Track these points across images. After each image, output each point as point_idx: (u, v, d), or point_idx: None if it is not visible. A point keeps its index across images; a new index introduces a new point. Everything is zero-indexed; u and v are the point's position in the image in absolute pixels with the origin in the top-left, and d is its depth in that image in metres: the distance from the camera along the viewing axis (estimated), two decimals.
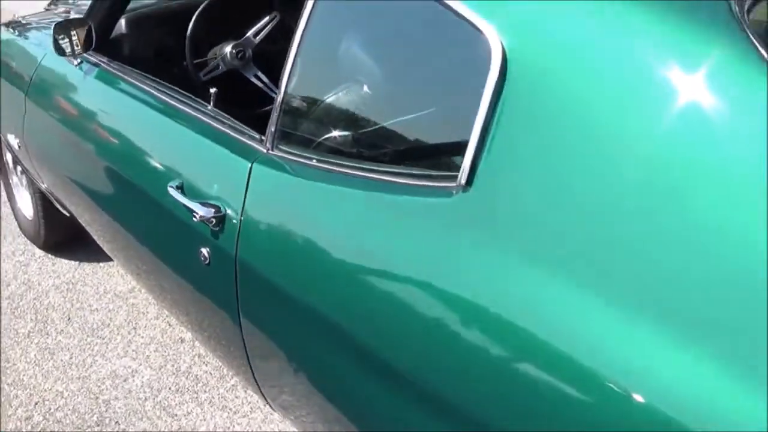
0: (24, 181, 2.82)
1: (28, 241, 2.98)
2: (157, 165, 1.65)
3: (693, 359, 0.75)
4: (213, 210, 1.37)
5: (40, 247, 2.92)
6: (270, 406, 1.59)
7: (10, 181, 2.99)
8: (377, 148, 1.26)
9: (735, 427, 0.71)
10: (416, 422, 1.03)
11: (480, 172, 0.96)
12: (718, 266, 0.77)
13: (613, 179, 0.86)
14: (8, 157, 2.89)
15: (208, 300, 1.52)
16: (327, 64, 1.33)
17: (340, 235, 1.17)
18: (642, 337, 0.79)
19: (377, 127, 1.29)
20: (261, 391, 1.54)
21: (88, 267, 2.82)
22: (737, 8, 0.91)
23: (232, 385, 2.18)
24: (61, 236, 2.82)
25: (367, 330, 1.11)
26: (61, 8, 2.76)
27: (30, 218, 2.86)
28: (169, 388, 2.20)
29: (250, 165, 1.34)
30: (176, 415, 2.10)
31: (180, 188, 1.47)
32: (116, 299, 2.62)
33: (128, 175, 1.77)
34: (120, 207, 1.90)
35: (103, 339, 2.43)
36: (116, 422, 2.08)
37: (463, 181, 0.97)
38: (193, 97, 1.68)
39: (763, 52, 0.83)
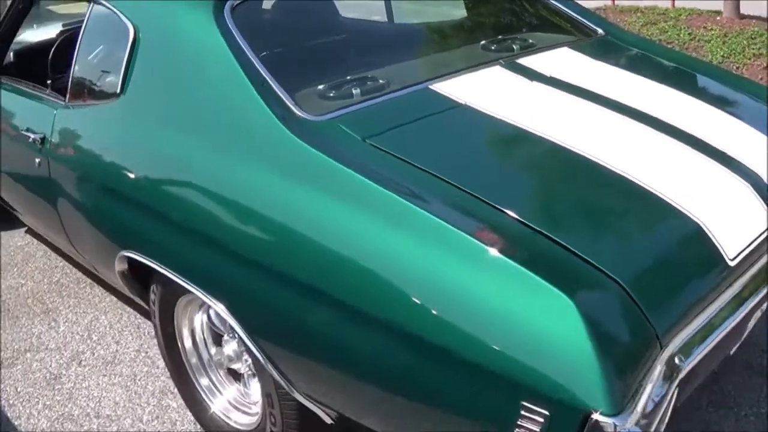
0: None
1: None
2: (26, 129, 2.80)
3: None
4: (39, 136, 2.55)
5: None
6: (82, 257, 2.72)
7: None
8: (93, 86, 2.47)
9: None
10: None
11: (126, 86, 2.16)
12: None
13: (191, 88, 2.03)
14: None
15: (44, 193, 2.66)
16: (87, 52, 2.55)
17: (83, 141, 2.37)
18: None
19: (82, 74, 2.53)
20: (75, 249, 2.67)
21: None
22: None
23: (90, 283, 3.32)
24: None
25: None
26: None
27: None
28: (45, 291, 3.32)
29: (55, 111, 2.54)
30: (45, 302, 3.22)
31: (31, 130, 2.65)
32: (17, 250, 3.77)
33: (16, 143, 2.90)
34: (19, 169, 3.01)
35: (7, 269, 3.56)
36: (8, 310, 3.19)
37: (119, 92, 2.17)
38: (43, 89, 2.86)
39: None
